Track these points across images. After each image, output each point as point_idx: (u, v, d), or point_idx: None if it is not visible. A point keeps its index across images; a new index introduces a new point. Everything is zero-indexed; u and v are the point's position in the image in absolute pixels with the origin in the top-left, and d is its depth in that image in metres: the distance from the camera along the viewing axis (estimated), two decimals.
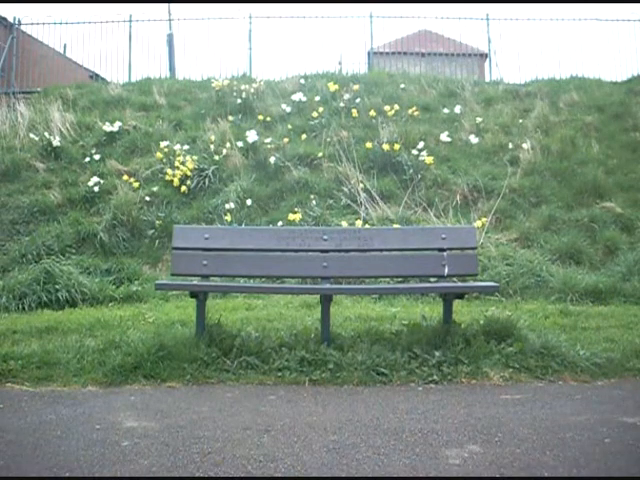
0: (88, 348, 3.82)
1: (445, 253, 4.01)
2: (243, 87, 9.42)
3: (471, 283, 4.50)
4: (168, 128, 8.72)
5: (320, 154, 7.90)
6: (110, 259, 6.50)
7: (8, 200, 7.35)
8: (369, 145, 7.85)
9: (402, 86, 10.00)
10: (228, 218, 6.86)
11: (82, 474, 2.29)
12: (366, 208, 6.95)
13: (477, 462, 2.37)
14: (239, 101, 9.25)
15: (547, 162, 7.83)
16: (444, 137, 8.32)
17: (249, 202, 7.16)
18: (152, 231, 6.93)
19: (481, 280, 5.23)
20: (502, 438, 2.62)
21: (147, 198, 7.29)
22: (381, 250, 4.12)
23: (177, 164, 7.63)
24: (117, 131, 8.54)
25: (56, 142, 8.22)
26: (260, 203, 7.32)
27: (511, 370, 3.55)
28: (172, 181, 7.53)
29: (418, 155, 7.72)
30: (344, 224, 6.54)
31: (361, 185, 7.25)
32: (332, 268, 4.00)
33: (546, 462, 2.37)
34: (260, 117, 8.84)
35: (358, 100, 9.13)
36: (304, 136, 8.36)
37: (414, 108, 8.93)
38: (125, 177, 7.54)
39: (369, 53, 12.56)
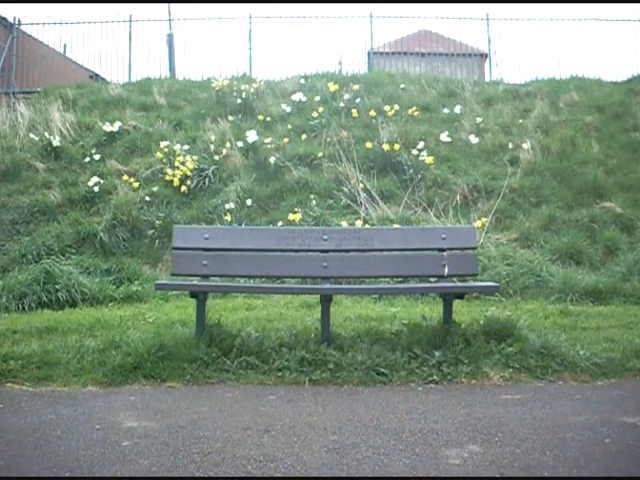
0: (88, 348, 3.82)
1: (445, 253, 4.01)
2: (243, 87, 9.42)
3: (471, 283, 4.50)
4: (168, 128, 8.72)
5: (320, 154, 7.90)
6: (110, 259, 6.50)
7: (8, 200, 7.35)
8: (369, 145, 7.85)
9: (402, 86, 10.00)
10: (228, 218, 6.86)
11: (82, 474, 2.29)
12: (366, 208, 6.95)
13: (477, 462, 2.37)
14: (239, 101, 9.25)
15: (547, 162, 7.83)
16: (444, 137, 8.32)
17: (249, 202, 7.16)
18: (152, 231, 6.93)
19: (481, 280, 5.23)
20: (502, 438, 2.62)
21: (147, 198, 7.29)
22: (381, 250, 4.12)
23: (177, 164, 7.63)
24: (117, 131, 8.54)
25: (56, 142, 8.22)
26: (260, 203, 7.32)
27: (511, 370, 3.55)
28: (172, 181, 7.53)
29: (418, 155, 7.72)
30: (344, 224, 6.54)
31: (361, 185, 7.25)
32: (332, 268, 4.00)
33: (546, 462, 2.37)
34: (260, 117, 8.85)
35: (358, 100, 9.13)
36: (304, 136, 8.36)
37: (414, 108, 8.93)
38: (125, 177, 7.54)
39: (369, 53, 12.56)
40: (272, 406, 3.08)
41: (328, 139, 8.18)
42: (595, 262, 6.32)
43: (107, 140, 8.49)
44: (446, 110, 9.17)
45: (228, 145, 7.99)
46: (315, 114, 8.69)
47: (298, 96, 9.28)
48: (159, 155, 7.83)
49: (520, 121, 8.80)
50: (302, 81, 10.17)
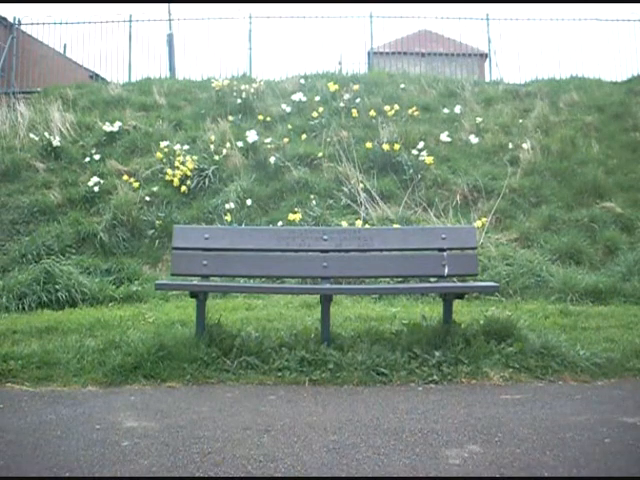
0: (88, 348, 3.82)
1: (445, 253, 4.01)
2: (243, 87, 9.42)
3: (471, 283, 4.50)
4: (168, 128, 8.72)
5: (320, 154, 7.90)
6: (110, 259, 6.50)
7: (8, 200, 7.35)
8: (369, 145, 7.85)
9: (402, 86, 10.00)
10: (228, 218, 6.86)
11: (82, 474, 2.29)
12: (366, 208, 6.95)
13: (477, 462, 2.37)
14: (239, 101, 9.25)
15: (547, 162, 7.83)
16: (444, 137, 8.32)
17: (249, 202, 7.16)
18: (152, 231, 6.93)
19: (481, 280, 5.23)
20: (502, 438, 2.62)
21: (147, 198, 7.29)
22: (381, 250, 4.12)
23: (177, 164, 7.63)
24: (117, 131, 8.54)
25: (56, 142, 8.22)
26: (260, 203, 7.32)
27: (511, 370, 3.55)
28: (172, 181, 7.53)
29: (418, 155, 7.72)
30: (344, 224, 6.54)
31: (361, 185, 7.25)
32: (332, 268, 4.00)
33: (546, 462, 2.37)
34: (260, 117, 8.85)
35: (358, 100, 9.13)
36: (304, 136, 8.36)
37: (414, 108, 8.93)
38: (125, 177, 7.54)
39: (369, 53, 12.56)
40: (272, 406, 3.08)
41: (328, 139, 8.18)
42: (595, 262, 6.32)
43: (107, 140, 8.49)
44: (446, 110, 9.17)
45: (228, 145, 7.99)
46: (315, 114, 8.69)
47: (298, 96, 9.28)
48: (159, 155, 7.83)
49: (520, 121, 8.80)
50: (302, 81, 10.17)
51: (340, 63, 11.72)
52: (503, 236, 6.67)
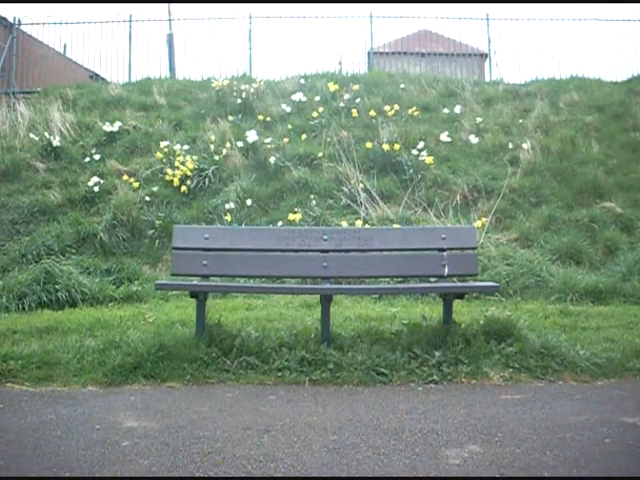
0: (88, 348, 3.82)
1: (445, 253, 4.01)
2: (243, 87, 9.42)
3: (471, 283, 4.50)
4: (168, 128, 8.72)
5: (320, 154, 7.90)
6: (110, 259, 6.50)
7: (8, 200, 7.35)
8: (369, 145, 7.85)
9: (402, 86, 10.00)
10: (228, 218, 6.86)
11: (82, 474, 2.29)
12: (366, 208, 6.95)
13: (477, 462, 2.37)
14: (239, 101, 9.25)
15: (547, 162, 7.83)
16: (444, 137, 8.32)
17: (249, 202, 7.16)
18: (152, 231, 6.93)
19: (481, 280, 5.23)
20: (502, 438, 2.62)
21: (147, 198, 7.29)
22: (381, 250, 4.12)
23: (177, 164, 7.63)
24: (117, 131, 8.54)
25: (56, 142, 8.22)
26: (260, 203, 7.32)
27: (511, 370, 3.55)
28: (172, 181, 7.53)
29: (418, 155, 7.72)
30: (344, 224, 6.54)
31: (361, 185, 7.25)
32: (332, 268, 4.00)
33: (546, 462, 2.37)
34: (260, 117, 8.85)
35: (358, 100, 9.13)
36: (304, 136, 8.36)
37: (414, 108, 8.93)
38: (125, 177, 7.54)
39: (369, 53, 12.56)
40: (272, 406, 3.08)
41: (328, 139, 8.18)
42: (595, 262, 6.32)
43: (107, 140, 8.49)
44: (446, 110, 9.17)
45: (228, 145, 7.99)
46: (315, 114, 8.69)
47: (298, 96, 9.28)
48: (159, 155, 7.83)
49: (520, 121, 8.80)
50: (302, 81, 10.17)
51: (340, 63, 11.74)
52: (503, 236, 6.67)
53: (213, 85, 9.62)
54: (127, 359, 3.57)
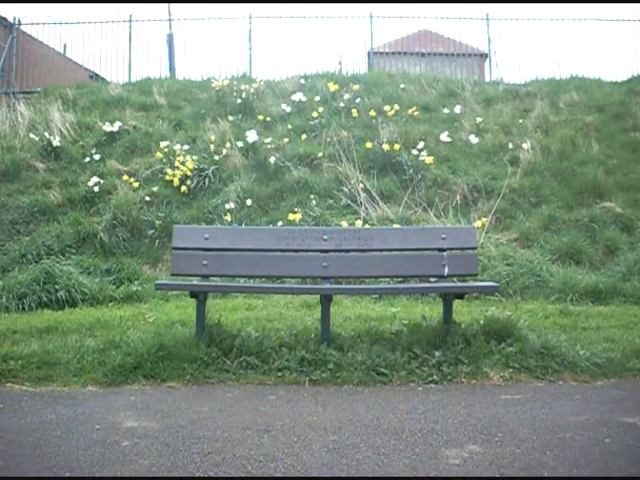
0: (88, 348, 3.82)
1: (445, 253, 4.01)
2: (243, 87, 9.42)
3: (471, 283, 4.50)
4: (168, 128, 8.72)
5: (320, 154, 7.90)
6: (110, 259, 6.50)
7: (8, 200, 7.35)
8: (369, 145, 7.85)
9: (402, 86, 10.00)
10: (228, 218, 6.86)
11: (82, 474, 2.29)
12: (366, 208, 6.95)
13: (477, 462, 2.37)
14: (239, 101, 9.25)
15: (547, 162, 7.83)
16: (444, 137, 8.32)
17: (249, 202, 7.16)
18: (152, 231, 6.93)
19: (481, 280, 5.23)
20: (502, 438, 2.62)
21: (147, 198, 7.29)
22: (381, 250, 4.12)
23: (177, 164, 7.63)
24: (117, 131, 8.54)
25: (56, 142, 8.22)
26: (260, 203, 7.32)
27: (511, 370, 3.55)
28: (172, 181, 7.53)
29: (418, 155, 7.72)
30: (344, 224, 6.54)
31: (361, 185, 7.25)
32: (332, 268, 4.00)
33: (546, 462, 2.37)
34: (260, 117, 8.85)
35: (358, 100, 9.13)
36: (304, 136, 8.36)
37: (414, 108, 8.93)
38: (125, 177, 7.54)
39: (369, 53, 12.56)
40: (272, 406, 3.08)
41: (328, 139, 8.18)
42: (595, 262, 6.32)
43: (107, 140, 8.49)
44: (446, 110, 9.17)
45: (228, 145, 7.99)
46: (315, 114, 8.69)
47: (298, 96, 9.28)
48: (159, 155, 7.83)
49: (520, 121, 8.80)
50: (302, 81, 10.17)
51: (340, 63, 11.74)
52: (503, 236, 6.67)
53: (213, 85, 9.62)
54: (127, 359, 3.57)
